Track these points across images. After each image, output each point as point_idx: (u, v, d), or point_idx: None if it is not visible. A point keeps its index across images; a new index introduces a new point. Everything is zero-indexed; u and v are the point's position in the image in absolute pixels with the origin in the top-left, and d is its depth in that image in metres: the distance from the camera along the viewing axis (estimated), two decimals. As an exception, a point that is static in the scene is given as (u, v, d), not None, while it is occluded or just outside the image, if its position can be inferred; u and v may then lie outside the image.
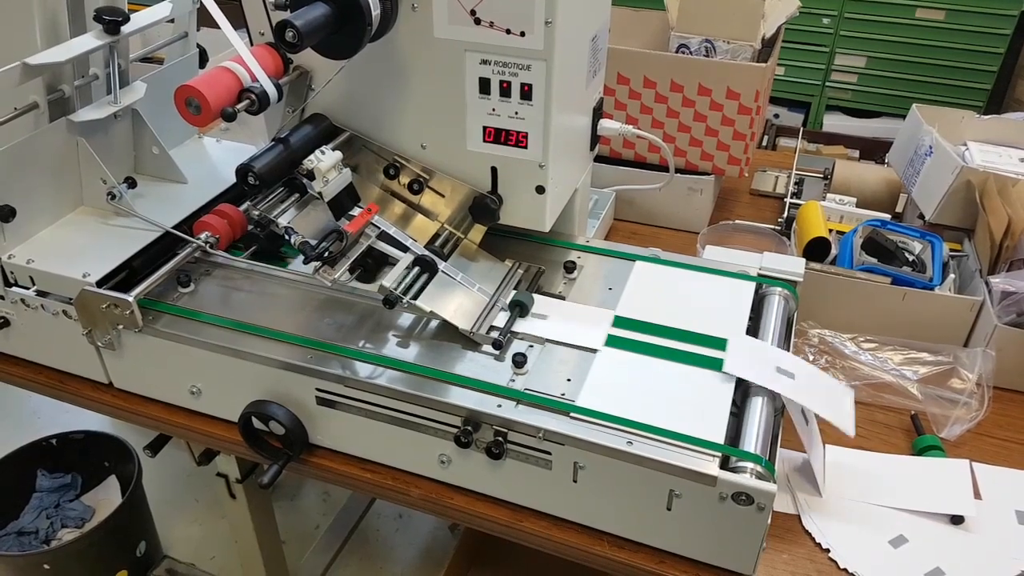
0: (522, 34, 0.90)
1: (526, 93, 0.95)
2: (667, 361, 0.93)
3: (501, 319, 0.99)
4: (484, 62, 0.94)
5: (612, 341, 0.95)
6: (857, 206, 1.38)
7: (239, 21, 0.98)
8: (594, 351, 0.94)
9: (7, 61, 0.94)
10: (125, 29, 1.01)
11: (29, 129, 1.00)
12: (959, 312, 1.12)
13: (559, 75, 0.94)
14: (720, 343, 0.94)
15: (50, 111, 1.03)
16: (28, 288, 1.04)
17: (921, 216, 1.30)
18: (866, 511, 0.92)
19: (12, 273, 1.04)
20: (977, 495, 0.94)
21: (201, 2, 1.20)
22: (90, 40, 0.99)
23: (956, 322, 1.13)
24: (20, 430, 2.07)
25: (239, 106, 0.90)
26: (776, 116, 3.55)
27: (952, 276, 1.16)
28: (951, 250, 1.24)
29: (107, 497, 1.77)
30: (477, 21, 0.91)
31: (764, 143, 3.13)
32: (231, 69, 0.91)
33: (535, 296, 1.02)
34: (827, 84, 3.42)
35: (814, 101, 3.49)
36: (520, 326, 0.98)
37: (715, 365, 0.92)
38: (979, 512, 0.91)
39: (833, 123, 3.49)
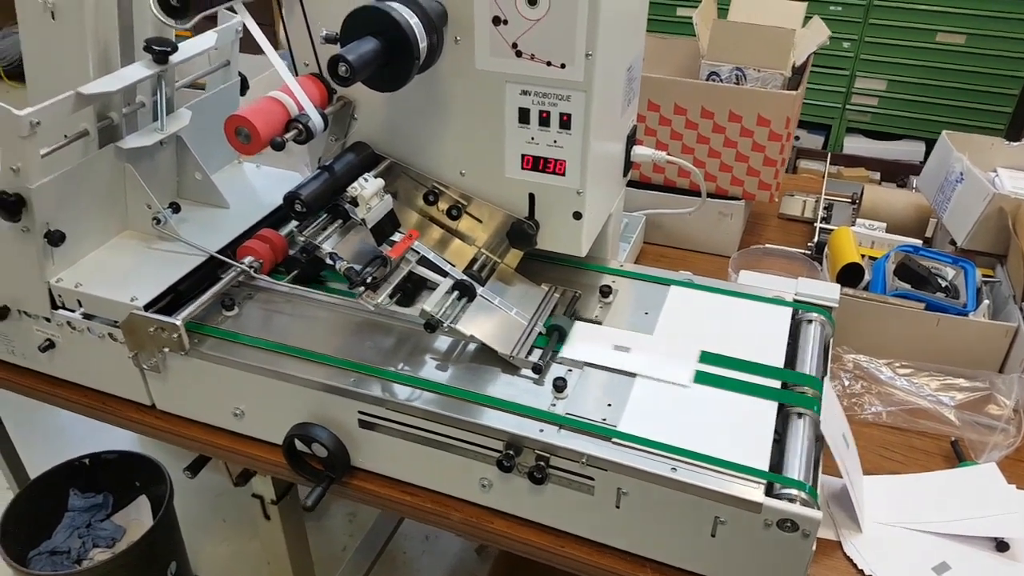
0: (562, 66, 0.92)
1: (565, 122, 0.96)
2: (708, 387, 0.93)
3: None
4: (524, 93, 0.96)
5: (701, 377, 0.94)
6: (887, 231, 1.39)
7: (272, 42, 1.00)
8: (684, 386, 0.93)
9: (61, 90, 0.97)
10: (173, 59, 1.04)
11: (79, 156, 1.03)
12: (994, 338, 1.12)
13: (597, 105, 0.95)
14: (765, 370, 0.95)
15: (99, 138, 1.06)
16: (74, 311, 1.07)
17: (952, 242, 1.30)
18: (908, 537, 0.92)
19: (60, 296, 1.07)
20: None
21: (242, 32, 1.24)
22: (140, 70, 1.02)
23: (991, 348, 1.13)
24: (48, 448, 2.10)
25: (287, 136, 0.92)
26: (797, 138, 3.56)
27: (986, 302, 1.16)
28: (984, 276, 1.24)
29: (138, 517, 1.79)
30: (519, 54, 0.93)
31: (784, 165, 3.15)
32: (279, 100, 0.93)
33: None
34: (847, 107, 3.43)
35: (834, 123, 3.50)
36: (580, 354, 0.99)
37: (754, 391, 0.92)
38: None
39: (853, 145, 3.49)
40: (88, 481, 1.79)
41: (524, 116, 0.97)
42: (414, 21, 0.86)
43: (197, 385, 1.04)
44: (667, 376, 0.94)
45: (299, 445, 1.00)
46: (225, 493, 2.15)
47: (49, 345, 1.12)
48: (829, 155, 2.48)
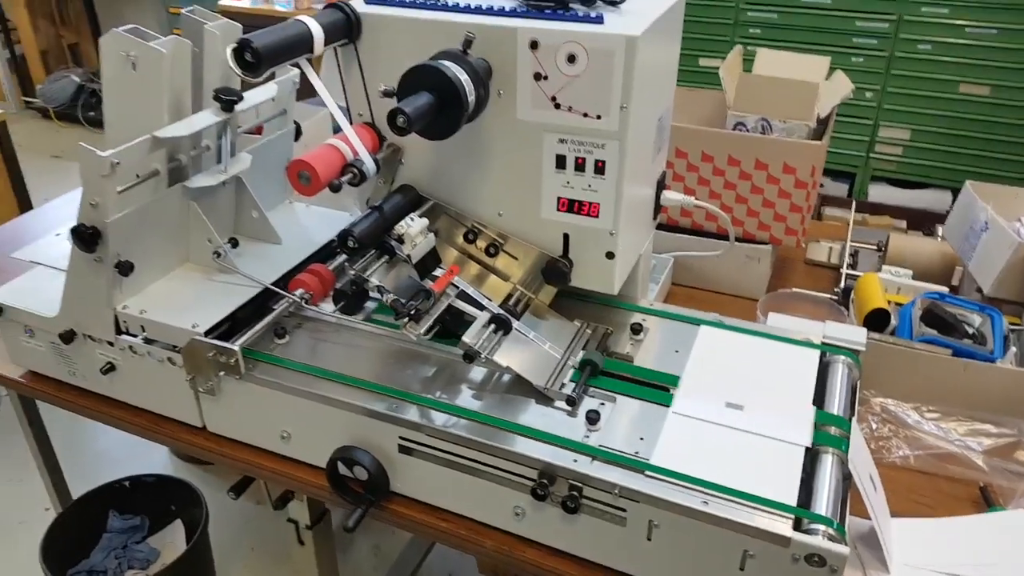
0: (598, 117, 0.99)
1: (599, 168, 1.03)
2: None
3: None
4: (561, 141, 1.03)
5: (821, 438, 0.94)
6: (913, 278, 1.42)
7: (310, 91, 1.08)
8: (803, 447, 0.92)
9: (138, 133, 1.05)
10: (238, 107, 1.12)
11: (150, 193, 1.11)
12: (1022, 386, 1.15)
13: (631, 153, 1.02)
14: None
15: (168, 177, 1.14)
16: (137, 336, 1.13)
17: (979, 290, 1.33)
18: (935, 579, 0.94)
19: (125, 322, 1.14)
20: (1045, 568, 0.95)
21: (298, 83, 1.33)
22: (208, 116, 1.10)
23: (1019, 395, 1.15)
24: (87, 470, 2.16)
25: (343, 179, 0.99)
26: (821, 186, 3.60)
27: (1013, 349, 1.19)
28: (1011, 324, 1.27)
29: (172, 541, 1.84)
30: (557, 106, 1.00)
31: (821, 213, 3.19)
32: (337, 146, 1.01)
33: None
34: (871, 155, 3.48)
35: (859, 171, 3.54)
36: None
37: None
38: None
39: (878, 193, 3.52)
40: (127, 504, 1.85)
41: (561, 162, 1.04)
42: (464, 77, 0.93)
43: (248, 408, 1.10)
44: (783, 437, 0.94)
45: (342, 468, 1.04)
46: (254, 520, 2.19)
47: (110, 368, 1.19)
48: (854, 202, 2.52)
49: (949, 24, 3.12)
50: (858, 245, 1.61)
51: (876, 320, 1.27)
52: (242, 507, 2.21)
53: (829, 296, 1.43)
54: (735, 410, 0.99)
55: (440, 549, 2.05)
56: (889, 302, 1.31)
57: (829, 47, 3.28)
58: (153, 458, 2.40)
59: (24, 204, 2.88)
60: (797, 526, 0.83)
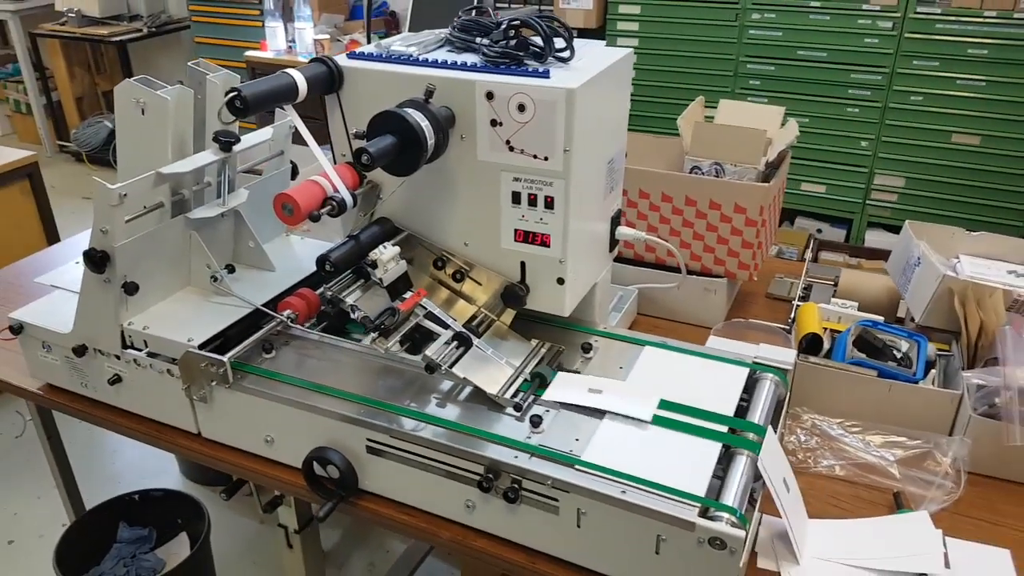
0: (546, 158, 1.13)
1: (549, 203, 1.16)
2: (663, 428, 1.08)
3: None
4: (516, 179, 1.17)
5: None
6: (859, 310, 1.53)
7: (323, 138, 1.24)
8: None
9: (145, 169, 1.21)
10: (236, 148, 1.28)
11: (154, 223, 1.26)
12: (940, 404, 1.24)
13: (575, 190, 1.15)
14: (715, 417, 1.10)
15: (172, 209, 1.30)
16: (141, 350, 1.28)
17: (912, 319, 1.43)
18: (844, 571, 1.03)
19: (130, 337, 1.28)
20: (947, 565, 1.04)
21: (295, 127, 1.49)
22: (209, 156, 1.27)
23: (939, 413, 1.25)
24: (98, 489, 2.30)
25: (323, 210, 1.14)
26: (819, 231, 3.71)
27: (934, 371, 1.29)
28: (939, 350, 1.37)
29: (178, 552, 1.96)
30: (511, 148, 1.14)
31: (807, 254, 3.28)
32: (318, 182, 1.16)
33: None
34: (868, 202, 3.58)
35: (856, 218, 3.63)
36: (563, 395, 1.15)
37: (703, 434, 1.07)
38: (947, 579, 1.01)
39: (875, 239, 3.61)
40: (136, 516, 1.98)
41: (516, 198, 1.18)
42: (424, 124, 1.08)
43: (237, 415, 1.23)
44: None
45: (317, 468, 1.17)
46: (255, 536, 2.31)
47: (116, 379, 1.33)
48: (843, 247, 2.62)
49: (940, 77, 3.24)
50: (814, 280, 1.72)
51: (812, 344, 1.38)
52: (243, 525, 2.33)
53: (781, 326, 1.53)
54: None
55: (428, 566, 2.14)
56: (826, 329, 1.42)
57: (825, 98, 3.42)
58: (161, 480, 2.53)
59: (53, 241, 3.09)
60: (704, 514, 0.94)
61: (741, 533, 0.91)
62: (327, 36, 4.08)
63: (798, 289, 1.67)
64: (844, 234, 3.72)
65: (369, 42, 2.35)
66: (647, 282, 1.61)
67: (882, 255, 3.41)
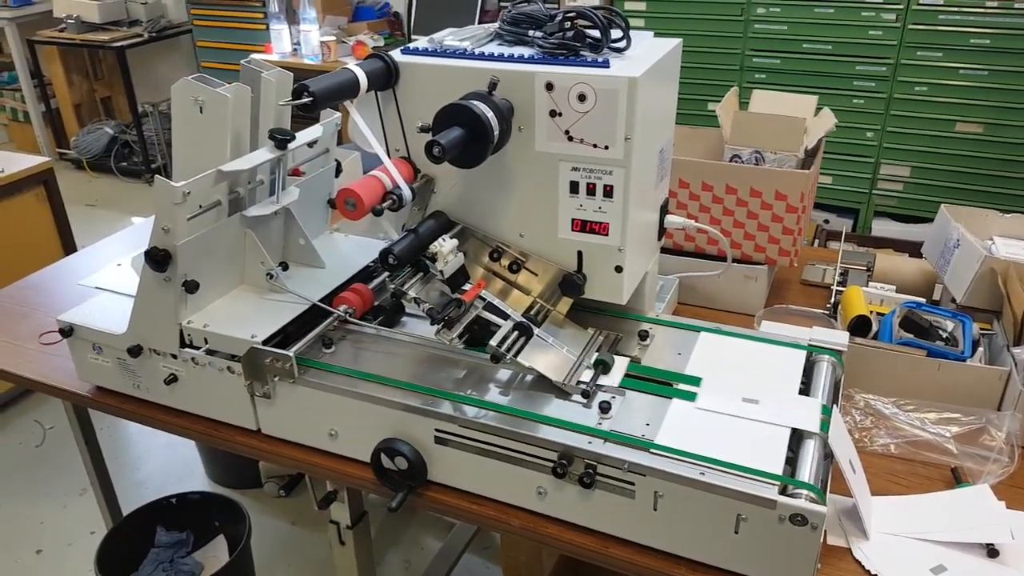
0: (606, 147, 1.15)
1: (608, 192, 1.18)
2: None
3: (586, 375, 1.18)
4: (575, 169, 1.18)
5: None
6: (896, 293, 1.55)
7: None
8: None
9: (203, 168, 1.22)
10: (291, 146, 1.29)
11: (212, 221, 1.27)
12: (989, 381, 1.27)
13: (635, 178, 1.17)
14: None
15: (228, 207, 1.31)
16: (199, 348, 1.29)
17: (953, 300, 1.46)
18: (910, 544, 1.05)
19: (189, 336, 1.29)
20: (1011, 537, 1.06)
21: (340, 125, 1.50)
22: (265, 153, 1.27)
23: (987, 390, 1.27)
24: (128, 496, 2.30)
25: (384, 205, 1.15)
26: (826, 222, 3.74)
27: (981, 350, 1.31)
28: (981, 329, 1.39)
29: (215, 555, 1.96)
30: (570, 138, 1.16)
31: (815, 245, 3.33)
32: (378, 177, 1.17)
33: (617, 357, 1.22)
34: (874, 192, 3.62)
35: (862, 208, 3.68)
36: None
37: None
38: (1014, 548, 1.03)
39: (881, 228, 3.65)
40: (173, 520, 1.98)
41: (574, 188, 1.19)
42: (490, 114, 1.09)
43: (300, 410, 1.24)
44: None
45: (385, 460, 1.18)
46: (290, 537, 2.31)
47: (172, 379, 1.33)
48: (845, 230, 2.65)
49: (943, 67, 3.29)
50: (848, 266, 1.74)
51: (859, 327, 1.40)
52: (279, 528, 2.33)
53: (821, 311, 1.56)
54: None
55: (465, 562, 2.15)
56: (872, 312, 1.44)
57: (830, 90, 3.46)
58: (187, 485, 2.53)
59: (68, 245, 3.08)
60: (783, 492, 0.96)
61: (823, 508, 0.93)
62: (332, 38, 4.08)
63: (835, 275, 1.70)
64: (851, 223, 3.76)
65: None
66: (689, 271, 1.63)
67: (888, 244, 3.48)
